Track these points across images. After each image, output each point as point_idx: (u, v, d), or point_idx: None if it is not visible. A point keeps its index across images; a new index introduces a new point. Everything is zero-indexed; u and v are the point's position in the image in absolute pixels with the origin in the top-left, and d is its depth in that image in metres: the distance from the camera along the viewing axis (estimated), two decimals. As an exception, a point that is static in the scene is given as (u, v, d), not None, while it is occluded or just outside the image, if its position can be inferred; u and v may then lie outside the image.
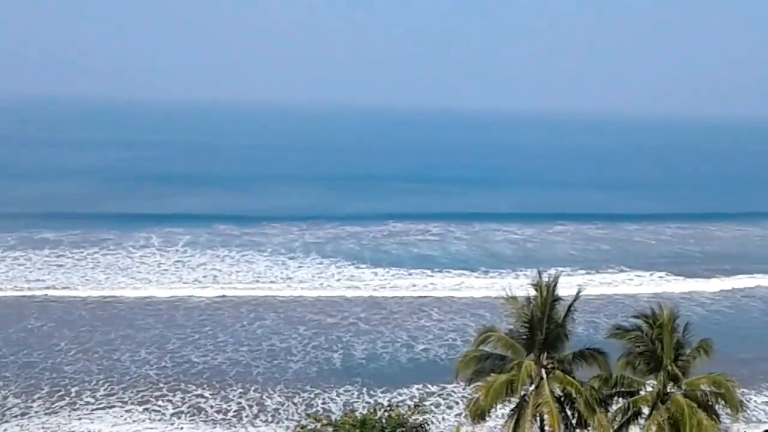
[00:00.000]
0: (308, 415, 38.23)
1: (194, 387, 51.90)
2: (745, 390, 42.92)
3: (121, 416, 47.17)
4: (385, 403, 38.45)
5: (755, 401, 50.67)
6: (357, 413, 36.73)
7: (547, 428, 29.02)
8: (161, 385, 52.12)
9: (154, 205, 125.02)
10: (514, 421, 28.98)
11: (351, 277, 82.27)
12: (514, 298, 30.21)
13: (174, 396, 50.49)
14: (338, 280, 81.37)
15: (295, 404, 49.91)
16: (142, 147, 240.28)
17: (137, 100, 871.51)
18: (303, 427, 35.62)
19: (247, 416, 48.11)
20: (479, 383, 29.32)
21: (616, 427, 29.13)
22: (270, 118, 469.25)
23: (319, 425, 34.60)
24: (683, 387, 28.60)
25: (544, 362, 29.38)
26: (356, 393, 52.03)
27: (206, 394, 50.93)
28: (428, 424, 35.85)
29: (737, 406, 29.23)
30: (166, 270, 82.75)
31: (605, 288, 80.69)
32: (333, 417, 37.19)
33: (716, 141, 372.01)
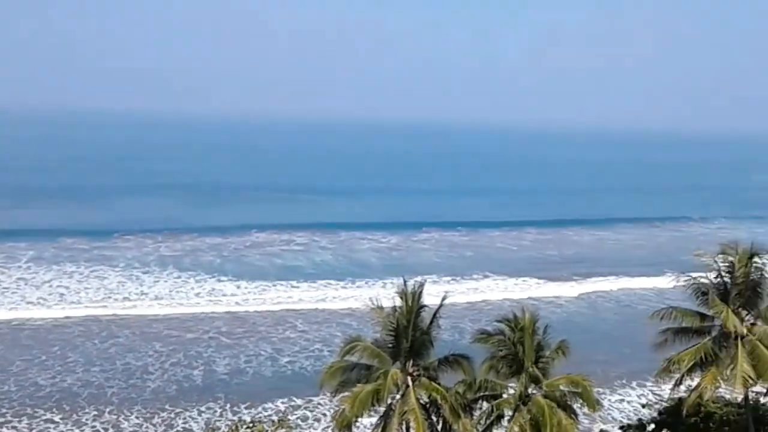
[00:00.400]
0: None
1: (42, 411, 49.07)
2: (600, 389, 45.52)
3: (-45, 450, 43.76)
4: (248, 420, 37.77)
5: (609, 399, 53.95)
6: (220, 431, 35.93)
7: (413, 436, 29.48)
8: (5, 410, 48.85)
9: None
10: (380, 430, 29.25)
11: (212, 291, 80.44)
12: (380, 307, 30.53)
13: (20, 422, 47.48)
14: (198, 294, 79.30)
15: (154, 425, 48.21)
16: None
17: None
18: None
19: (101, 441, 45.94)
20: (345, 394, 29.40)
21: (480, 430, 30.07)
22: (129, 129, 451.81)
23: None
24: (544, 388, 29.92)
25: (410, 370, 29.87)
26: (219, 410, 50.95)
27: (56, 418, 48.29)
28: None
29: (594, 405, 30.96)
30: (6, 288, 77.53)
31: (471, 294, 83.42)
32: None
33: (602, 151, 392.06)
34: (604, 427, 45.58)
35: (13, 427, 46.67)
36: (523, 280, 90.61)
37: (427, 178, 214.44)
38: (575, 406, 30.89)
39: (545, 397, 29.45)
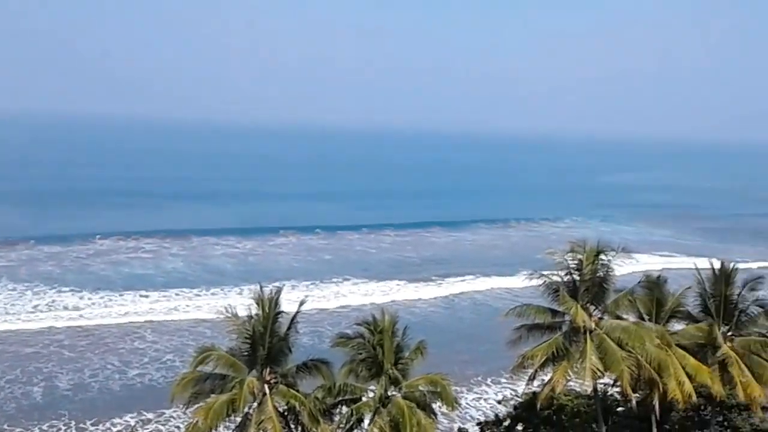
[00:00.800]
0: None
1: None
2: (457, 388, 46.99)
3: None
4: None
5: (467, 398, 55.76)
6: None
7: (271, 444, 29.11)
8: None
9: None
10: (237, 441, 28.69)
11: (51, 303, 76.03)
12: (235, 314, 29.93)
13: None
14: (36, 306, 74.69)
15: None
16: None
17: None
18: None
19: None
20: (199, 405, 28.59)
21: (340, 435, 30.17)
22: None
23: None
24: (403, 389, 30.46)
25: (267, 377, 29.45)
26: (63, 428, 48.45)
27: None
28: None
29: (452, 403, 31.83)
30: None
31: (331, 298, 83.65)
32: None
33: (463, 153, 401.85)
34: (462, 425, 46.96)
35: None
36: (384, 283, 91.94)
37: (284, 181, 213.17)
38: (434, 405, 31.65)
39: (405, 398, 29.96)
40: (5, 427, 48.04)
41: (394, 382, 30.20)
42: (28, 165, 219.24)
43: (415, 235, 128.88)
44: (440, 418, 36.87)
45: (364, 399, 30.22)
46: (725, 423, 41.27)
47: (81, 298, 78.39)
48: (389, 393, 30.16)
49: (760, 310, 37.17)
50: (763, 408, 38.74)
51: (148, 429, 48.06)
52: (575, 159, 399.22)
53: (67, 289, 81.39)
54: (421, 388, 30.81)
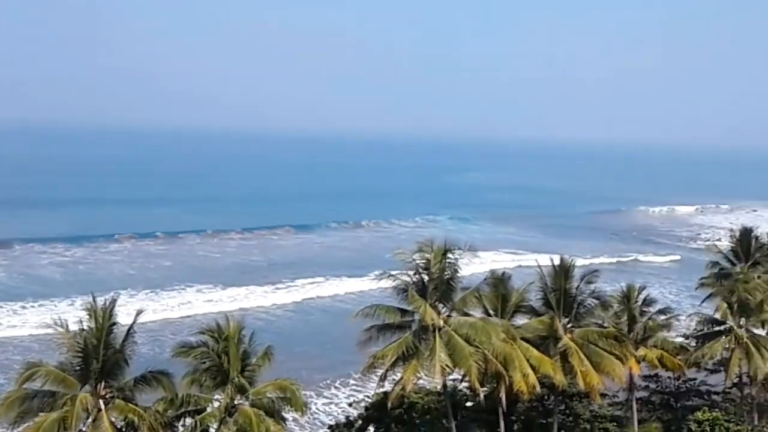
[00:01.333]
0: None
1: None
2: (307, 392, 47.08)
3: None
4: None
5: (317, 403, 55.98)
6: None
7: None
8: None
9: None
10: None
11: None
12: (65, 327, 28.49)
13: None
14: None
15: None
16: None
17: None
18: None
19: None
20: (27, 425, 27.03)
21: (181, 448, 29.47)
22: None
23: None
24: (251, 397, 30.16)
25: (102, 392, 28.31)
26: None
27: None
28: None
29: (302, 408, 31.92)
30: None
31: (173, 306, 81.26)
32: None
33: (312, 155, 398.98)
34: (313, 430, 47.12)
35: None
36: (231, 289, 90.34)
37: (122, 186, 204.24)
38: (284, 411, 31.57)
39: (253, 405, 29.69)
40: None
41: (241, 390, 29.82)
42: None
43: (262, 238, 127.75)
44: (290, 424, 36.89)
45: (209, 409, 29.66)
46: (567, 411, 43.95)
47: None
48: (236, 402, 29.77)
49: (596, 301, 39.95)
50: (602, 395, 41.65)
51: None
52: (427, 159, 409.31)
53: None
54: (269, 394, 30.63)
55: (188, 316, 78.05)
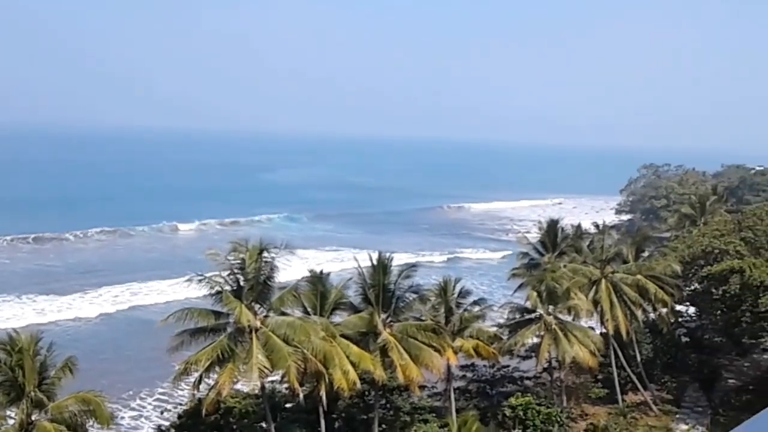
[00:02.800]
0: None
1: None
2: (113, 405, 45.19)
3: None
4: None
5: (125, 417, 53.97)
6: None
7: None
8: None
9: None
10: None
11: None
12: None
13: None
14: None
15: None
16: None
17: None
18: None
19: None
20: None
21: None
22: None
23: None
24: (50, 411, 28.77)
25: None
26: None
27: None
28: None
29: (108, 421, 31.00)
30: None
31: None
32: None
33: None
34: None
35: None
36: (28, 298, 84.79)
37: None
38: (88, 425, 30.36)
39: (53, 421, 28.46)
40: None
41: (39, 405, 28.45)
42: None
43: (58, 243, 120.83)
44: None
45: (2, 428, 27.98)
46: (388, 405, 45.37)
47: None
48: (33, 417, 28.31)
49: (415, 295, 41.46)
50: (421, 387, 43.23)
51: None
52: (235, 157, 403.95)
53: None
54: (71, 408, 29.38)
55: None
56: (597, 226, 66.88)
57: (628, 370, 54.98)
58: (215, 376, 34.92)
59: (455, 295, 45.70)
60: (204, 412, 36.22)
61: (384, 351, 39.19)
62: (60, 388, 29.72)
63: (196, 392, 36.56)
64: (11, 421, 28.32)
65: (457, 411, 44.20)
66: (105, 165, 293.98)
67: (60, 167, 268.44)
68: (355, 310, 41.00)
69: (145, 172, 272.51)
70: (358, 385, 38.72)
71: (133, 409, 55.89)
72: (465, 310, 45.95)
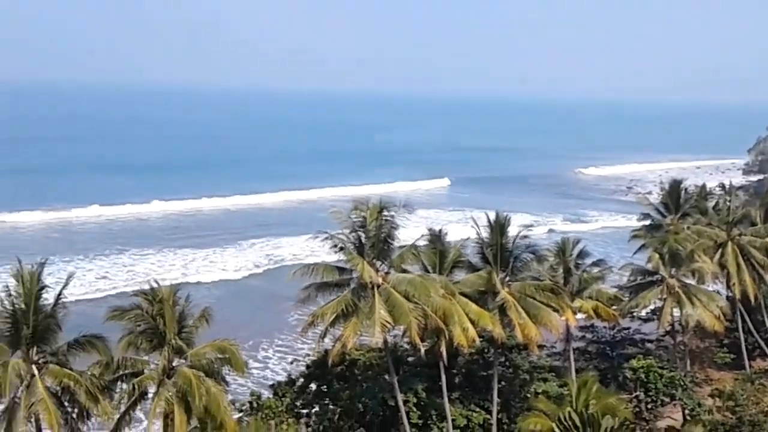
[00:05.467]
0: None
1: None
2: (247, 353, 47.07)
3: None
4: None
5: (257, 365, 56.13)
6: None
7: (45, 427, 27.78)
8: None
9: None
10: (3, 427, 27.03)
11: None
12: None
13: None
14: None
15: None
16: None
17: None
18: None
19: None
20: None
21: (122, 410, 29.31)
22: None
23: None
24: (189, 358, 30.01)
25: (35, 358, 27.95)
26: None
27: None
28: None
29: (242, 368, 31.98)
30: None
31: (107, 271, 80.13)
32: None
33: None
34: (255, 388, 47.14)
35: None
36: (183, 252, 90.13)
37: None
38: (224, 372, 31.56)
39: (192, 367, 29.55)
40: None
41: (179, 352, 29.67)
42: None
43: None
44: (232, 385, 36.92)
45: (146, 372, 29.48)
46: (507, 363, 44.96)
47: None
48: (174, 363, 29.64)
49: (532, 255, 40.73)
50: (540, 346, 42.65)
51: None
52: (349, 116, 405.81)
53: None
54: (208, 355, 30.50)
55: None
56: (723, 186, 63.63)
57: (756, 335, 52.43)
58: (340, 329, 35.64)
59: (573, 256, 44.61)
60: (330, 362, 37.07)
61: (502, 310, 38.78)
62: (197, 336, 30.92)
63: (321, 344, 37.38)
64: (153, 366, 29.73)
65: (577, 371, 43.36)
66: (226, 126, 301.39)
67: (189, 129, 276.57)
68: (473, 269, 40.66)
69: (268, 132, 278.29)
70: (477, 342, 38.60)
71: (265, 357, 57.99)
72: (584, 271, 44.77)
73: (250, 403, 41.11)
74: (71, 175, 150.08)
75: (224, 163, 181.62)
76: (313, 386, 42.99)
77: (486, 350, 43.93)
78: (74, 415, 28.78)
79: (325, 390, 42.53)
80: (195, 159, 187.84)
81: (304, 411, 42.48)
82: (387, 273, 36.22)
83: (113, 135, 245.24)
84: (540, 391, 41.86)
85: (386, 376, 40.32)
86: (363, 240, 35.42)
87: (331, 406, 41.66)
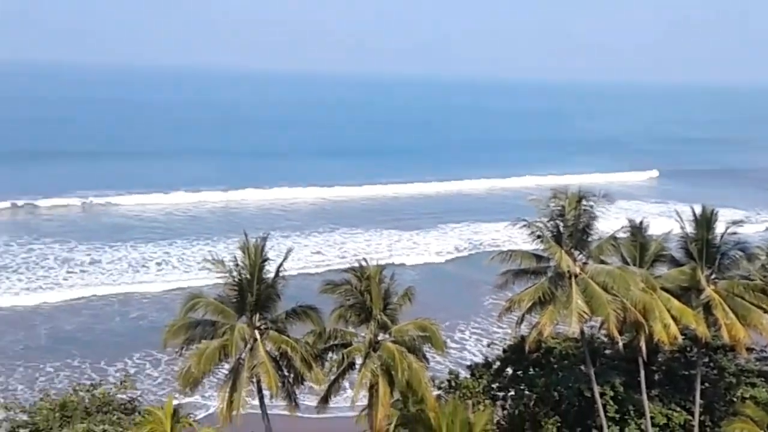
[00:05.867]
0: (-2, 405, 35.23)
1: None
2: (445, 333, 47.96)
3: None
4: (88, 383, 36.85)
5: (454, 345, 56.93)
6: (54, 396, 34.74)
7: (264, 388, 29.97)
8: None
9: None
10: (230, 385, 29.49)
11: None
12: (221, 261, 30.48)
13: None
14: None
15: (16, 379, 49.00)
16: None
17: None
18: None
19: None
20: (191, 351, 29.32)
21: (332, 378, 31.02)
22: None
23: (9, 414, 32.25)
24: (393, 334, 31.17)
25: (257, 323, 30.18)
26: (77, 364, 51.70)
27: None
28: (137, 401, 35.13)
29: (442, 347, 32.64)
30: None
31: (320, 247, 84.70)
32: (27, 403, 34.82)
33: None
34: (452, 367, 47.94)
35: None
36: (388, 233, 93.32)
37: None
38: (424, 349, 32.45)
39: (395, 342, 30.65)
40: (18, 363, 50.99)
41: (383, 327, 30.89)
42: None
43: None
44: (431, 362, 37.84)
45: (354, 344, 30.95)
46: (711, 363, 42.35)
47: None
48: (379, 338, 30.89)
49: (741, 253, 37.95)
50: (749, 349, 39.78)
51: (159, 369, 50.58)
52: (562, 105, 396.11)
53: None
54: (410, 332, 31.45)
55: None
56: None
57: None
58: (537, 316, 35.30)
59: (791, 256, 40.99)
60: (527, 349, 36.90)
61: (707, 308, 36.53)
62: (400, 313, 32.01)
63: (517, 329, 37.25)
64: (361, 339, 31.16)
65: (790, 378, 40.10)
66: (432, 113, 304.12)
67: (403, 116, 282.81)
68: (676, 263, 38.59)
69: (471, 120, 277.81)
70: (680, 339, 36.67)
71: (462, 338, 58.80)
72: (802, 271, 41.06)
73: (449, 381, 41.86)
74: (292, 159, 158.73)
75: (427, 150, 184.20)
76: (509, 370, 42.96)
77: (688, 349, 41.63)
78: (290, 379, 30.82)
79: (521, 375, 42.33)
80: (401, 145, 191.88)
81: (500, 394, 42.60)
82: (585, 263, 35.31)
83: (331, 121, 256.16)
84: (747, 396, 39.13)
85: (582, 367, 39.49)
86: (561, 229, 34.65)
87: (526, 392, 41.43)
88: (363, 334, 31.07)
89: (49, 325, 59.25)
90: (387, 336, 31.14)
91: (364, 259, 32.27)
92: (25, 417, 31.88)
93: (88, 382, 37.34)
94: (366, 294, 30.75)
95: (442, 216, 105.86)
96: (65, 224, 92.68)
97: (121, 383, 36.08)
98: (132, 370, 50.99)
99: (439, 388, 40.99)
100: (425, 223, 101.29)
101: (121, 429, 30.64)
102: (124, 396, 34.91)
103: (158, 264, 77.13)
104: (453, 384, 41.49)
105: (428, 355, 33.82)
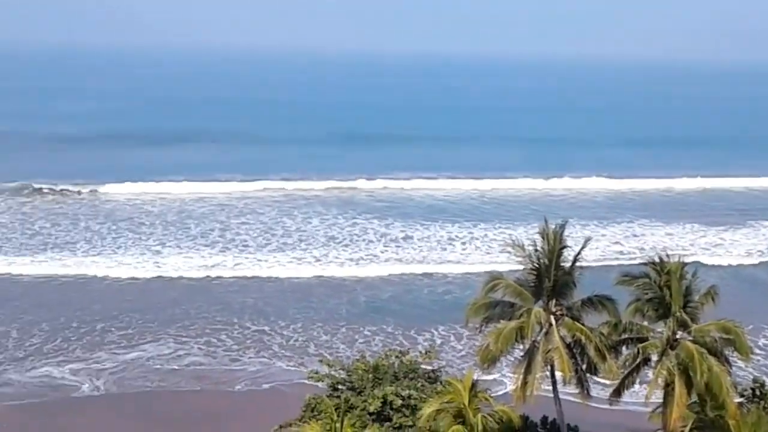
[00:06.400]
0: (321, 361, 39.22)
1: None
2: (749, 337, 43.46)
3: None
4: (398, 349, 39.48)
5: (758, 352, 51.27)
6: (369, 358, 37.69)
7: (557, 373, 29.75)
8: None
9: None
10: (524, 367, 29.72)
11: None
12: (520, 246, 30.76)
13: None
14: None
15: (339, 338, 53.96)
16: None
17: None
18: (316, 372, 36.67)
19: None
20: (489, 329, 30.03)
21: (625, 373, 29.85)
22: None
23: (331, 370, 35.67)
24: (692, 333, 29.15)
25: (553, 309, 30.00)
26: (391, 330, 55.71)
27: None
28: (440, 371, 36.82)
29: (748, 352, 29.92)
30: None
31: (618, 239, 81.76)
32: (346, 363, 38.14)
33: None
34: (756, 374, 43.54)
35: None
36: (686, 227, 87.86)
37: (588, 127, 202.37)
38: (727, 353, 29.93)
39: (694, 342, 28.69)
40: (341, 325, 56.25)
41: (683, 325, 29.05)
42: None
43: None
44: (733, 367, 34.75)
45: (650, 339, 29.48)
46: None
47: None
48: (677, 336, 29.11)
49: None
50: None
51: (462, 342, 52.67)
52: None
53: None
54: (712, 333, 29.26)
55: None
56: None
57: None
58: None
59: None
60: None
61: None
62: (702, 313, 29.82)
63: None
64: (657, 335, 29.54)
65: None
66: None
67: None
68: None
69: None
70: None
71: (759, 347, 52.90)
72: None
73: (753, 389, 38.06)
74: (576, 147, 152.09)
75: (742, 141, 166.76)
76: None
77: None
78: (583, 367, 30.25)
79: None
80: (706, 135, 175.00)
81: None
82: None
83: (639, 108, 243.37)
84: None
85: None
86: None
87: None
88: (660, 331, 29.50)
89: (369, 292, 64.20)
90: (686, 335, 29.26)
91: (666, 254, 30.49)
92: (343, 374, 35.04)
93: (398, 349, 39.85)
94: (665, 289, 29.15)
95: (753, 213, 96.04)
96: (386, 202, 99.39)
97: (426, 353, 38.11)
98: (438, 341, 53.42)
99: (742, 396, 37.46)
100: (734, 219, 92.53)
101: (424, 396, 32.34)
102: (428, 367, 36.80)
103: (463, 243, 79.78)
104: (758, 393, 37.64)
105: (730, 359, 31.16)
